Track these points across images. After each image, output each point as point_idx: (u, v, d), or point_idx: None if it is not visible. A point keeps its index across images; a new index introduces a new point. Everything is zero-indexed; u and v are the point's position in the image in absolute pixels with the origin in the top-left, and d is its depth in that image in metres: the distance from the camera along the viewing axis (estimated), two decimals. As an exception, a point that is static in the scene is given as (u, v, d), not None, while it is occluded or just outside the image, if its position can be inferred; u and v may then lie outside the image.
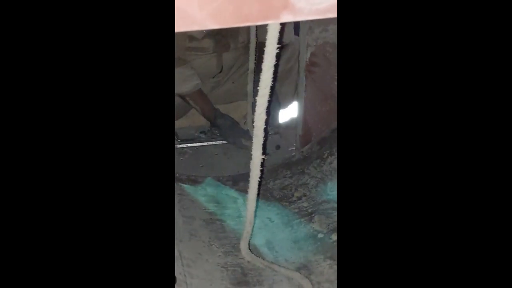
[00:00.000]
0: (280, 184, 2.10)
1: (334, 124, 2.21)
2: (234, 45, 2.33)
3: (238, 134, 2.30)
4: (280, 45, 0.93)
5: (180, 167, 2.23)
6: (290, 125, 2.47)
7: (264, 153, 1.14)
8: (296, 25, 2.35)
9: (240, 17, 0.69)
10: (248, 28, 2.14)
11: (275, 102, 2.53)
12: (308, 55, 2.11)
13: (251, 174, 1.18)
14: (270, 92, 1.01)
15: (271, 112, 2.43)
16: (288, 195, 2.01)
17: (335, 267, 1.56)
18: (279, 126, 2.53)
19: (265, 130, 1.10)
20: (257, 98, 1.02)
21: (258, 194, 1.26)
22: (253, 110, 2.17)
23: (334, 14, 0.72)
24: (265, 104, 1.03)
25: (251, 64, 2.09)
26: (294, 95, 2.44)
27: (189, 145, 2.48)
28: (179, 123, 2.50)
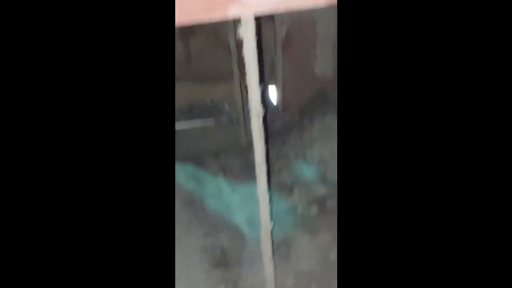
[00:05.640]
0: (262, 158, 2.08)
1: (312, 93, 2.18)
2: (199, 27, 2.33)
3: None
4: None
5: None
6: (272, 99, 2.44)
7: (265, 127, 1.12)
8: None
9: (183, 13, 0.64)
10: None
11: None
12: (284, 31, 2.06)
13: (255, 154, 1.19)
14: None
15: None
16: (269, 168, 2.00)
17: (313, 241, 1.57)
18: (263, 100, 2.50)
19: (263, 102, 1.09)
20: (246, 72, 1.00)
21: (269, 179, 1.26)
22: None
23: (281, 6, 0.69)
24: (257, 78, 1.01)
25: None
26: (272, 73, 2.42)
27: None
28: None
